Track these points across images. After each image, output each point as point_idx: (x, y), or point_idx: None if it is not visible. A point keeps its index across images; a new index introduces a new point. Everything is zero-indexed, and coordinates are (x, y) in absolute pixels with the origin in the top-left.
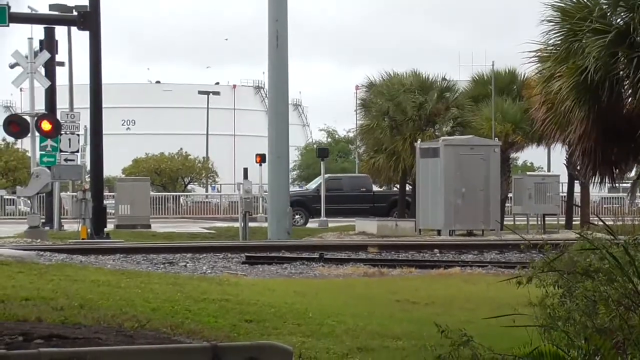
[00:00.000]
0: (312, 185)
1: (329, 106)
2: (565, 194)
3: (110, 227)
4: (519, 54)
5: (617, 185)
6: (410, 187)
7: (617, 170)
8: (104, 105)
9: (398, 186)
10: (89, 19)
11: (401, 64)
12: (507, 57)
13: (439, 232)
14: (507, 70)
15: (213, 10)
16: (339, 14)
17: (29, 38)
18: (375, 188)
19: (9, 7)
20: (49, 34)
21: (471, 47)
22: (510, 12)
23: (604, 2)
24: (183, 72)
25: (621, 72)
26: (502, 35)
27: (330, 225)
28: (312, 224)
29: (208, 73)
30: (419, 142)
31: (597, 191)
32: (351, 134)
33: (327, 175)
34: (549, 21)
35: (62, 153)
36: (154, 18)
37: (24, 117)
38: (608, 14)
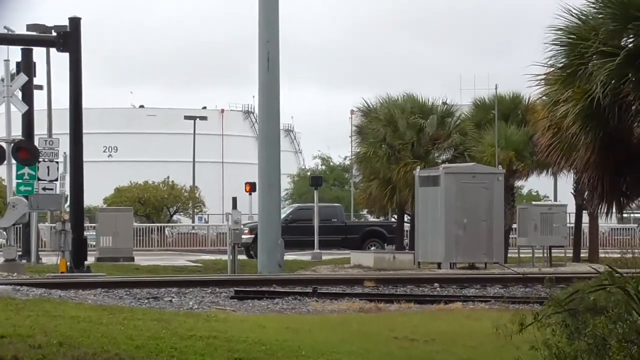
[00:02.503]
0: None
1: (321, 131)
2: (573, 225)
3: (91, 260)
4: (519, 75)
5: (628, 215)
6: (409, 217)
7: (627, 200)
8: (84, 131)
9: (396, 216)
10: (68, 40)
11: (397, 87)
12: (505, 78)
13: (439, 265)
14: (511, 94)
15: (196, 29)
16: (329, 34)
17: (5, 60)
18: (372, 218)
19: None
20: (27, 56)
21: (472, 69)
22: (506, 32)
23: (612, 24)
24: (166, 96)
25: (630, 97)
26: (499, 55)
27: (323, 257)
28: (305, 256)
29: (194, 97)
30: (418, 169)
31: (607, 222)
32: (347, 162)
33: (295, 205)
34: (553, 43)
35: (40, 182)
36: (132, 39)
37: None
38: (615, 34)
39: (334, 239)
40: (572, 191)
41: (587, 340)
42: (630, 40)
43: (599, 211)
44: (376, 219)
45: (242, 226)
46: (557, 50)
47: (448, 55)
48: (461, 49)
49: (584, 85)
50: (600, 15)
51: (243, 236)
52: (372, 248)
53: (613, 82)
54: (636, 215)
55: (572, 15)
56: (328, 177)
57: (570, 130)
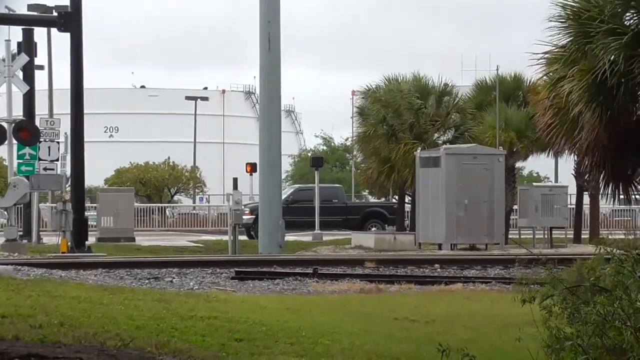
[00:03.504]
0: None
1: (323, 112)
2: (573, 206)
3: (92, 240)
4: (521, 55)
5: (633, 197)
6: (410, 198)
7: (630, 182)
8: (85, 111)
9: (397, 197)
10: (70, 20)
11: (399, 68)
12: (507, 60)
13: (439, 246)
14: (512, 75)
15: (198, 9)
16: (331, 15)
17: (6, 40)
18: (373, 199)
19: None
20: (28, 36)
21: (473, 50)
22: (508, 13)
23: (616, 1)
24: (167, 77)
25: (637, 77)
26: (501, 36)
27: (324, 238)
28: (306, 237)
29: (195, 77)
30: (418, 150)
31: (607, 203)
32: (349, 142)
33: (296, 186)
34: (557, 20)
35: (41, 162)
36: (133, 19)
37: (0, 123)
38: (619, 12)
39: (335, 219)
40: (573, 172)
41: (587, 320)
42: (633, 20)
43: (602, 194)
44: (377, 200)
45: (243, 207)
46: (561, 26)
47: (449, 36)
48: (463, 30)
49: (590, 64)
50: None
51: (244, 217)
52: (373, 229)
53: (620, 61)
54: (639, 196)
55: None
56: (329, 158)
57: (575, 109)
